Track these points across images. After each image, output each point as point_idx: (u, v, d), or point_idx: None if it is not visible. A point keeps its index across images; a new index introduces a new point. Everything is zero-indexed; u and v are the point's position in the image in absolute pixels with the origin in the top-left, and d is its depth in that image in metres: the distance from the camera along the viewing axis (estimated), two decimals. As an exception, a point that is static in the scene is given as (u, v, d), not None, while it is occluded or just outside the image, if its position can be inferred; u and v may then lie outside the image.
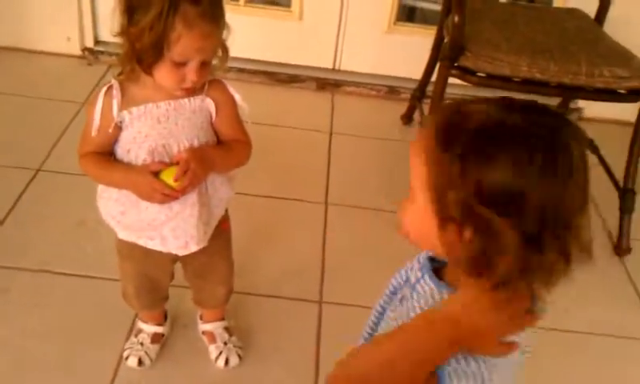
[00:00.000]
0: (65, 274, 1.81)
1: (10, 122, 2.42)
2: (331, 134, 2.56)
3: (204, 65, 1.22)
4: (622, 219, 2.12)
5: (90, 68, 2.79)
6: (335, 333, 1.71)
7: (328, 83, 2.84)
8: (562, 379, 1.71)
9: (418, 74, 2.53)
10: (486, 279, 0.77)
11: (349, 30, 2.78)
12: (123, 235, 1.38)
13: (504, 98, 0.78)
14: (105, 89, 1.26)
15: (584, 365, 1.76)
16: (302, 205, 2.18)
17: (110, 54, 2.75)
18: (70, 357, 1.60)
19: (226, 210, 1.47)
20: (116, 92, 1.25)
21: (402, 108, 2.67)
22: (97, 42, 2.83)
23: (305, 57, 2.84)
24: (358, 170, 2.39)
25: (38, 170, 2.17)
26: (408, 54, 2.73)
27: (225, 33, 1.24)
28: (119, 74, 1.28)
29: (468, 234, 0.76)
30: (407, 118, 2.66)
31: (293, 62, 2.84)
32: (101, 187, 1.35)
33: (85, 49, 2.83)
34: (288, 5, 2.80)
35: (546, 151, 0.72)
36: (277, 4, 2.92)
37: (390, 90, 2.84)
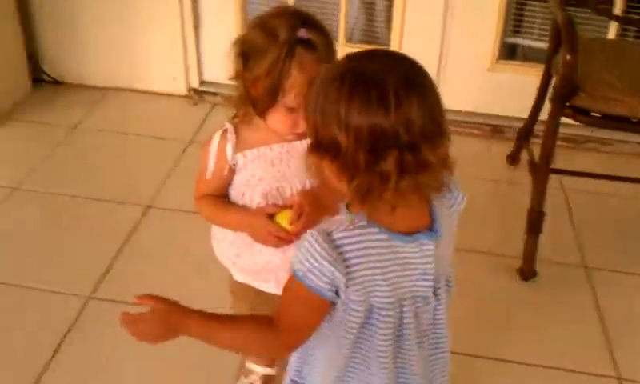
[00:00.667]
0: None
1: (120, 160, 2.51)
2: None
3: (317, 109, 1.22)
4: None
5: (195, 107, 2.88)
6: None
7: (428, 121, 2.81)
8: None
9: (520, 112, 2.49)
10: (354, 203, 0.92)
11: (449, 68, 2.74)
12: (239, 277, 1.38)
13: (367, 51, 0.95)
14: (220, 132, 1.28)
15: None
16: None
17: (215, 94, 2.84)
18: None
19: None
20: (230, 135, 1.26)
21: (505, 148, 2.62)
22: (202, 82, 2.92)
23: (404, 95, 2.81)
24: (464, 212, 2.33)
25: (149, 207, 2.24)
26: (511, 92, 2.68)
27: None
28: (233, 117, 1.29)
29: (320, 156, 0.92)
30: (513, 159, 2.58)
31: (392, 100, 2.82)
32: (215, 228, 1.37)
33: (190, 89, 2.92)
34: (386, 43, 2.80)
35: (373, 85, 0.87)
36: (375, 43, 2.92)
37: (493, 128, 2.79)
